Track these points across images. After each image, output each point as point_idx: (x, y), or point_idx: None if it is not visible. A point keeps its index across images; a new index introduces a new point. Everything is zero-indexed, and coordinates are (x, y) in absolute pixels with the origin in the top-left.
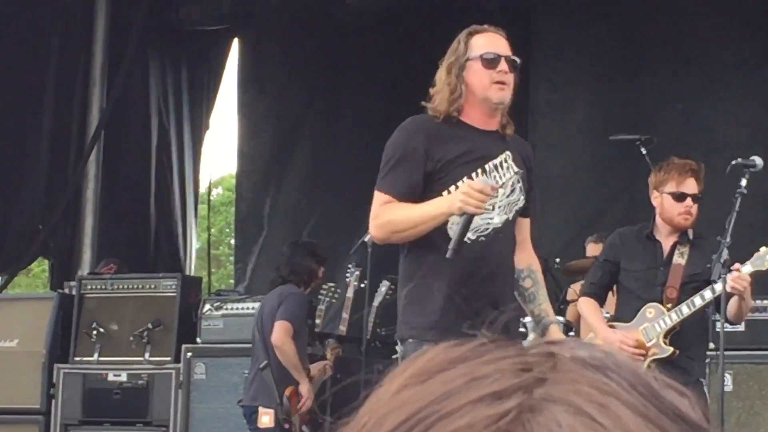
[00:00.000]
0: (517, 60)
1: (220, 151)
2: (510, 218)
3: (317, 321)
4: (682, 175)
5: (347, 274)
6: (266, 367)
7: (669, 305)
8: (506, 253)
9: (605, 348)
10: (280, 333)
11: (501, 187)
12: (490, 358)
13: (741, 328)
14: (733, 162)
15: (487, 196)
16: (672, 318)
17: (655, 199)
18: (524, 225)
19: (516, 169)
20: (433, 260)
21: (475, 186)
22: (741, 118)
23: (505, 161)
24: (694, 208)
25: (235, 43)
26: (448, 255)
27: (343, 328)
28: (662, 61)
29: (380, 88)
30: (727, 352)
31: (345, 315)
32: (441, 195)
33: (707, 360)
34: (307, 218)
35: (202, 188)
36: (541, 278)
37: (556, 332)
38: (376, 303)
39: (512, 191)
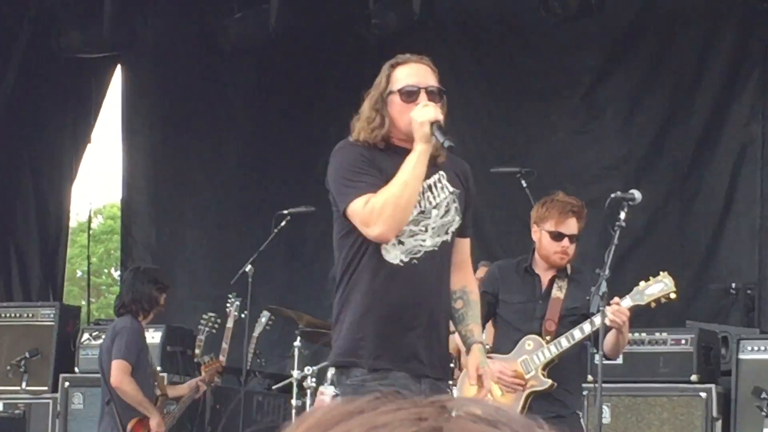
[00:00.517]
0: (441, 88)
1: (101, 180)
2: (448, 240)
3: (197, 351)
4: (563, 214)
5: (227, 304)
6: (110, 401)
7: (548, 338)
8: (441, 275)
9: (498, 404)
10: (117, 374)
11: (435, 208)
12: (387, 409)
13: (619, 360)
14: (612, 195)
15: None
16: (551, 351)
17: (535, 233)
18: (462, 245)
19: (451, 189)
20: (367, 285)
21: (420, 105)
22: (615, 150)
23: (439, 181)
24: (572, 248)
25: (118, 71)
26: (445, 144)
27: (222, 359)
28: (538, 94)
29: (264, 115)
30: (604, 385)
31: (225, 345)
32: None
33: (585, 392)
34: (193, 248)
35: (82, 217)
36: (474, 299)
37: (477, 352)
38: (256, 333)
39: (447, 212)
